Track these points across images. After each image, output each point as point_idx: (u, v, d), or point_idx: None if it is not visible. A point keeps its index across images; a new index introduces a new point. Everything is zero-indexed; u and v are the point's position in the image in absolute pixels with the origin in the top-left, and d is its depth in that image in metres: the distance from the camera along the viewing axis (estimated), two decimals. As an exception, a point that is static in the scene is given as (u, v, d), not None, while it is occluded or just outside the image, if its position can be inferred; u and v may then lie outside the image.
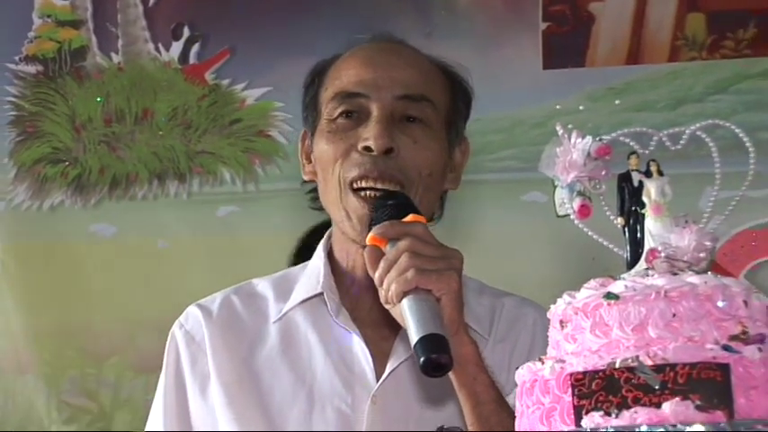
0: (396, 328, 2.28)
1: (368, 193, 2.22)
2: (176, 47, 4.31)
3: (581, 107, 3.96)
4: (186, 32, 4.30)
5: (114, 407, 4.15)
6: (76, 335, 4.22)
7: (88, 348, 4.20)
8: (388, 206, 2.15)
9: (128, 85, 4.34)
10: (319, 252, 2.41)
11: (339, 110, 2.28)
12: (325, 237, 2.43)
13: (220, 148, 4.24)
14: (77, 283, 4.25)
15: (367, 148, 2.23)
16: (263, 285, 2.45)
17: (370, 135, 2.23)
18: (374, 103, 2.26)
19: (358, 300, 2.35)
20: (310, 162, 2.38)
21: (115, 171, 4.31)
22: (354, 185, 2.23)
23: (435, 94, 2.33)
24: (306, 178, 2.40)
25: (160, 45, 4.32)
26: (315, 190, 2.40)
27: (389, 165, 2.23)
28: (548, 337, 2.37)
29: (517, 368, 1.67)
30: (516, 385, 2.11)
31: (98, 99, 4.35)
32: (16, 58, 4.38)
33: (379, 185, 2.22)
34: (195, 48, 4.29)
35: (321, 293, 2.35)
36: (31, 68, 4.38)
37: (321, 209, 2.38)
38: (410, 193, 2.23)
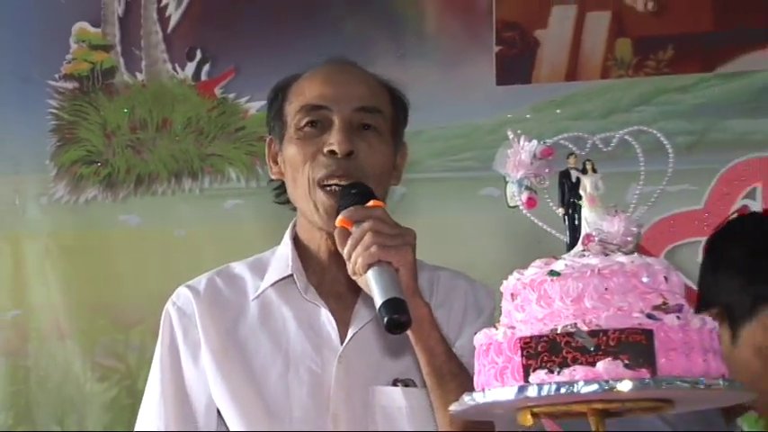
0: (355, 299, 2.31)
1: (333, 188, 2.24)
2: (190, 67, 4.29)
3: (528, 116, 3.96)
4: (198, 55, 4.28)
5: (139, 367, 4.13)
6: (107, 307, 4.20)
7: (117, 318, 4.19)
8: (352, 194, 2.18)
9: (150, 99, 4.32)
10: (286, 239, 2.41)
11: (306, 119, 2.30)
12: (290, 226, 2.43)
13: (227, 151, 4.23)
14: (108, 265, 4.23)
15: (332, 152, 2.25)
16: (240, 268, 2.45)
17: (334, 141, 2.25)
18: (336, 114, 2.27)
19: (322, 277, 2.36)
20: (277, 164, 2.39)
21: (139, 171, 4.29)
22: (322, 183, 2.25)
23: (384, 106, 2.34)
24: (273, 177, 2.41)
25: (177, 65, 4.30)
26: (278, 187, 2.41)
27: (350, 165, 2.24)
28: (476, 301, 2.40)
29: (480, 332, 1.67)
30: (455, 343, 2.16)
31: (125, 110, 4.33)
32: (56, 76, 4.36)
33: (343, 182, 2.23)
34: (206, 67, 4.27)
35: (291, 275, 2.35)
36: (69, 85, 4.36)
37: (284, 203, 2.41)
38: None
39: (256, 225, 3.94)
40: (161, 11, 4.34)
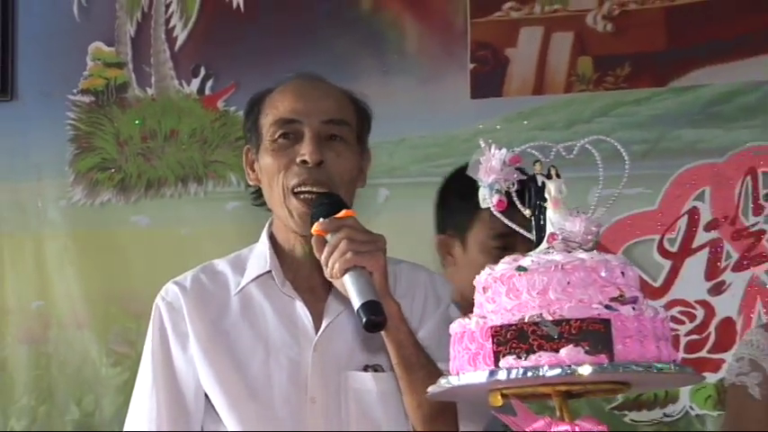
0: (327, 292, 2.30)
1: (306, 196, 2.23)
2: (195, 82, 4.28)
3: (498, 127, 3.96)
4: (203, 71, 4.28)
5: (149, 353, 4.13)
6: (120, 299, 4.19)
7: (129, 309, 4.17)
8: (324, 204, 2.18)
9: (159, 112, 4.31)
10: (263, 238, 2.41)
11: (279, 132, 2.28)
12: (266, 225, 2.42)
13: (229, 159, 4.21)
14: (121, 261, 4.22)
15: (304, 162, 2.24)
16: (222, 265, 2.43)
17: (306, 151, 2.23)
18: (306, 127, 2.26)
19: (297, 272, 2.35)
20: (254, 171, 2.38)
21: (149, 176, 4.28)
22: (295, 190, 2.24)
23: (349, 117, 2.32)
24: (250, 183, 2.40)
25: (183, 81, 4.30)
26: (255, 192, 2.41)
27: (321, 174, 2.24)
28: (435, 293, 2.39)
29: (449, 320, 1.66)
30: (417, 332, 2.16)
31: (136, 122, 4.32)
32: (74, 91, 4.35)
33: (314, 189, 2.23)
34: (210, 83, 4.27)
35: (269, 271, 2.34)
36: (86, 99, 4.35)
37: (260, 205, 2.40)
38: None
39: (254, 225, 3.93)
40: (169, 32, 4.33)
